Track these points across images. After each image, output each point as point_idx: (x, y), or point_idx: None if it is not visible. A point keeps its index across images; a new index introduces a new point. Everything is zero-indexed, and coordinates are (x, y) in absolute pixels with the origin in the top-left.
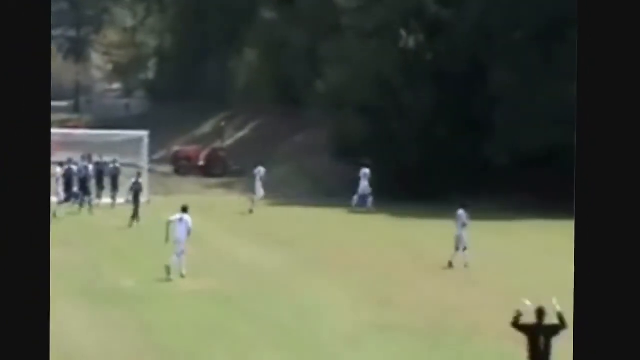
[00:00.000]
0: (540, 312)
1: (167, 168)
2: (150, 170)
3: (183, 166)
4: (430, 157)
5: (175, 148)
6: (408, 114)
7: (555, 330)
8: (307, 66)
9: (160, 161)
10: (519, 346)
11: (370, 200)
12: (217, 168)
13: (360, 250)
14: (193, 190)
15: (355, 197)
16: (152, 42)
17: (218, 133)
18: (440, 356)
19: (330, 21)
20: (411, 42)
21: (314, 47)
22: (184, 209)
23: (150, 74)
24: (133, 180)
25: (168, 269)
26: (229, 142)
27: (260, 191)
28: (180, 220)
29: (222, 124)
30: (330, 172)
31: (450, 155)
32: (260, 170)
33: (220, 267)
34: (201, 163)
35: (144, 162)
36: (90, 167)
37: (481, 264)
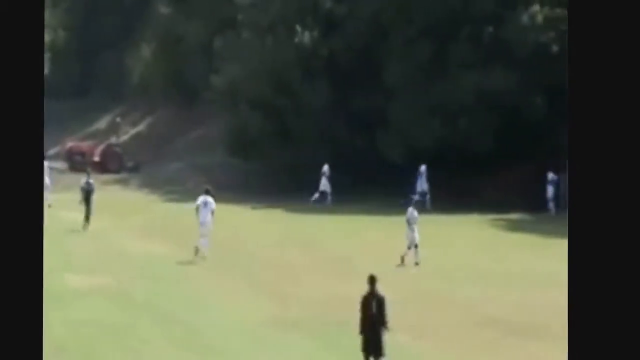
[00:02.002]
0: (372, 279)
1: (61, 164)
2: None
3: (78, 162)
4: (327, 152)
5: (70, 144)
6: (304, 109)
7: (383, 300)
8: (203, 61)
9: (54, 157)
10: (415, 339)
11: (428, 197)
12: (113, 164)
13: (257, 245)
14: None
15: (415, 197)
16: (44, 37)
17: (113, 129)
18: (340, 352)
19: (226, 17)
20: (307, 38)
21: (210, 43)
22: (207, 191)
23: (44, 69)
24: (84, 180)
25: (196, 250)
26: (124, 137)
27: (326, 187)
28: (205, 204)
29: (118, 119)
30: (225, 167)
31: (346, 151)
32: (325, 167)
33: (116, 263)
34: (96, 159)
35: None
36: None
37: (377, 259)
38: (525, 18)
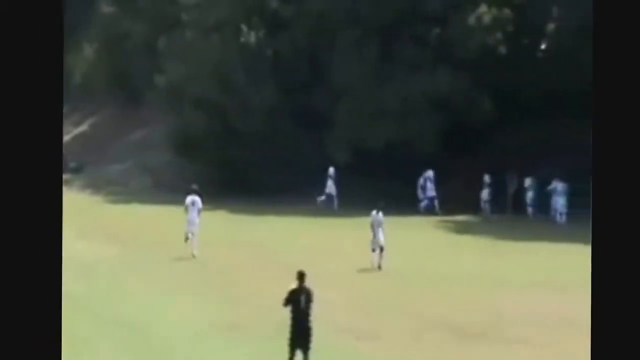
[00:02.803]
0: (301, 275)
1: None
2: None
3: None
4: (273, 153)
5: None
6: (250, 109)
7: (311, 294)
8: (147, 61)
9: None
10: (360, 340)
11: (426, 203)
12: None
13: (204, 247)
14: None
15: (425, 202)
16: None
17: None
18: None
19: (170, 16)
20: (252, 38)
21: (154, 42)
22: (194, 191)
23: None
24: None
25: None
26: (67, 137)
27: (332, 190)
28: (193, 203)
29: None
30: (170, 168)
31: (293, 151)
32: (331, 170)
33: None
34: None
35: None
36: None
37: (328, 261)
38: (472, 19)
